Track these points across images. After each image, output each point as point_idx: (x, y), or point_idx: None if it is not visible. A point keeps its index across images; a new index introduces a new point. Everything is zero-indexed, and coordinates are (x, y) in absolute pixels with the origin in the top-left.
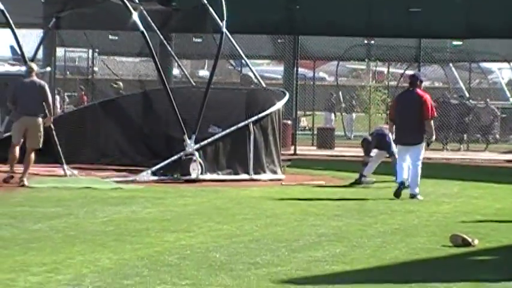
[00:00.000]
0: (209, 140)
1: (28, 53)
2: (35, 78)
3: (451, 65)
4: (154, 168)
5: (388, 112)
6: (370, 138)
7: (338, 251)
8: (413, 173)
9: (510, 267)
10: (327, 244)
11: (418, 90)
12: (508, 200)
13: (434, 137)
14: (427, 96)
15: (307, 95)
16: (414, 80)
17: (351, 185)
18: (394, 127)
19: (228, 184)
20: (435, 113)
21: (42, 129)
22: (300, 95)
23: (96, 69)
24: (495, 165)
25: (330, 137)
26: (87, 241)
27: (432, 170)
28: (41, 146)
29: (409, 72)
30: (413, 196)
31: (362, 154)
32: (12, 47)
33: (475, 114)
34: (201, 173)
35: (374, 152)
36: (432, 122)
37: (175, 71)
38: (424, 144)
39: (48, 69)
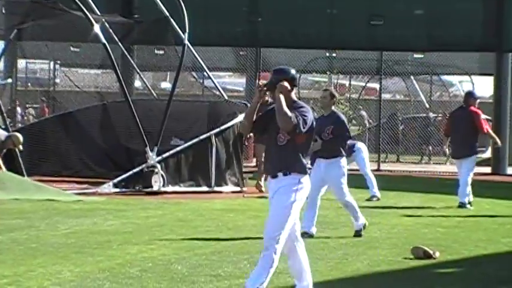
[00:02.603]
0: (171, 152)
1: None
2: None
3: (412, 77)
4: (116, 180)
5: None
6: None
7: None
8: (463, 183)
9: (471, 279)
10: None
11: (472, 107)
12: (468, 212)
13: (489, 149)
14: (479, 112)
15: None
16: (467, 98)
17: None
18: (448, 141)
19: (190, 196)
20: (487, 129)
21: None
22: None
23: (57, 81)
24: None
25: None
26: (48, 253)
27: (394, 183)
28: None
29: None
30: (462, 205)
31: None
32: None
33: (436, 127)
34: (163, 185)
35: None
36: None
37: (137, 83)
38: (475, 157)
39: (10, 80)
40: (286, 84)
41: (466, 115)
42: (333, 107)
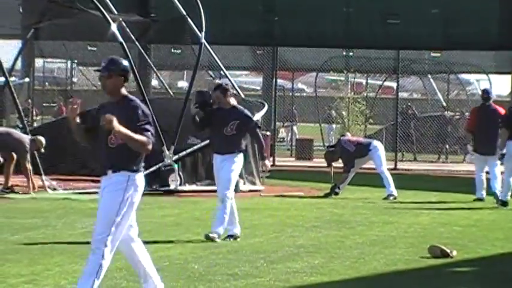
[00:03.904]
0: (188, 151)
1: (6, 63)
2: None
3: (429, 76)
4: None
5: (366, 123)
6: (332, 149)
7: (316, 262)
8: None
9: (488, 278)
10: (305, 255)
11: (494, 105)
12: (485, 211)
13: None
14: (502, 110)
15: (286, 106)
16: (488, 95)
17: (326, 195)
18: (472, 137)
19: (206, 195)
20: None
21: None
22: (278, 106)
23: (74, 80)
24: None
25: (309, 148)
26: (65, 252)
27: (411, 181)
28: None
29: (481, 88)
30: (504, 203)
31: (341, 165)
32: None
33: (453, 126)
34: (180, 184)
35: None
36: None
37: (154, 82)
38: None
39: (27, 80)
40: (109, 117)
41: (493, 112)
42: (232, 101)
